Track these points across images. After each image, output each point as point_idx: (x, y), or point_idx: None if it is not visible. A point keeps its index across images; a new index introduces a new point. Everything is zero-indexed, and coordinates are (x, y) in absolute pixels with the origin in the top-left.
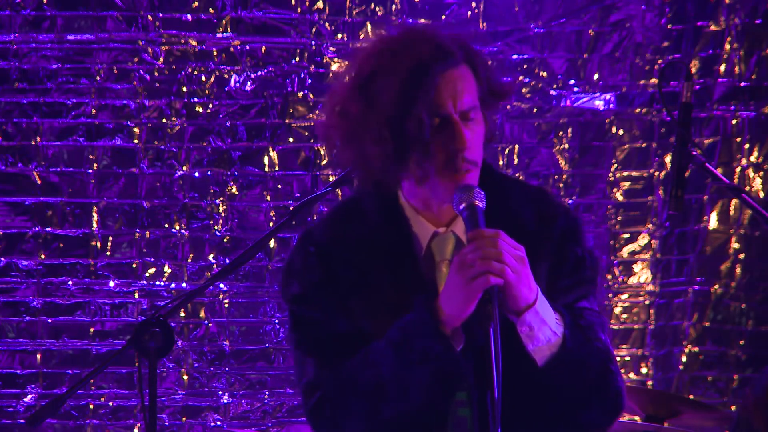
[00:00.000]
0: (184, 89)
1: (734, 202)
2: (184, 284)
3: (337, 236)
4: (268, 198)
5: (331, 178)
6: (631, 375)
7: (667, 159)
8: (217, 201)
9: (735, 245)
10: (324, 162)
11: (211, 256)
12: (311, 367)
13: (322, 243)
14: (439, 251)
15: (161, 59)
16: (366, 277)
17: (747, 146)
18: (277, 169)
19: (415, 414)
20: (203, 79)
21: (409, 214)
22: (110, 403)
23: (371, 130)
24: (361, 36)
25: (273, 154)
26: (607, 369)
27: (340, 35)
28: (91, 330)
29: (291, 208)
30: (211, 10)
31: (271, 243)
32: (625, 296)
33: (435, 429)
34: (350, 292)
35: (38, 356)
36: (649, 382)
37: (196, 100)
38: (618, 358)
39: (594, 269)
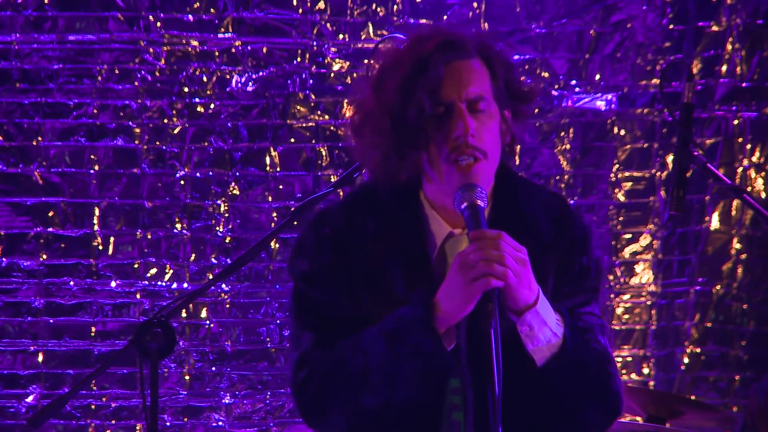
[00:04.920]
0: (186, 90)
1: (736, 202)
2: (185, 285)
3: (353, 224)
4: (270, 198)
5: (333, 179)
6: (633, 375)
7: (669, 159)
8: (219, 201)
9: (736, 246)
10: (325, 162)
11: (212, 257)
12: (307, 341)
13: (338, 227)
14: (452, 253)
15: (163, 60)
16: (378, 269)
17: (748, 146)
18: (278, 169)
19: (398, 408)
20: (205, 79)
21: (428, 212)
22: (112, 404)
23: (374, 120)
24: (363, 36)
25: (274, 154)
26: (605, 371)
27: (341, 36)
28: (93, 330)
29: (292, 208)
30: (212, 10)
31: (273, 243)
32: (626, 297)
33: (425, 429)
34: (360, 281)
35: (40, 356)
36: (651, 383)
37: (197, 100)
38: (620, 359)
39: (598, 279)
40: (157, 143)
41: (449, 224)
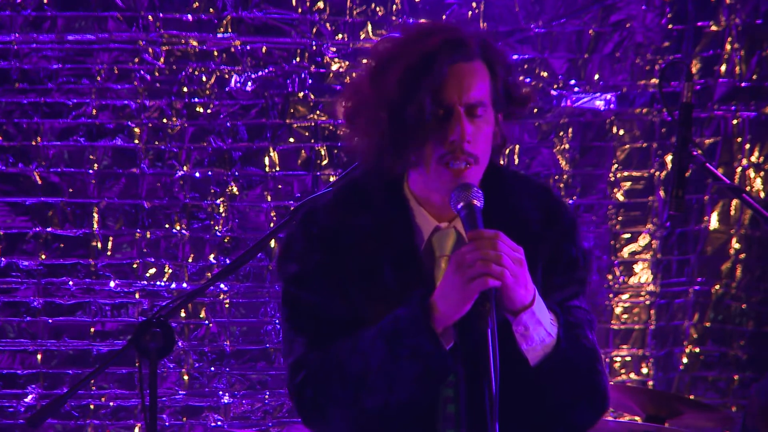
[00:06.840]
0: (185, 89)
1: (735, 202)
2: (184, 284)
3: (342, 222)
4: (269, 198)
5: (332, 178)
6: (632, 375)
7: (668, 159)
8: (218, 201)
9: (735, 245)
10: (325, 162)
11: (211, 257)
12: (300, 346)
13: (326, 227)
14: (439, 246)
15: (162, 59)
16: (368, 266)
17: (747, 146)
18: (277, 169)
19: (397, 408)
20: (204, 79)
21: (413, 206)
22: (111, 404)
23: (371, 110)
24: (362, 36)
25: (273, 154)
26: (595, 369)
27: (340, 35)
28: (92, 330)
29: (292, 208)
30: (211, 10)
31: (272, 243)
32: (625, 296)
33: (421, 424)
34: (351, 279)
35: (39, 356)
36: (650, 383)
37: (196, 100)
38: (618, 358)
39: (586, 269)
40: (157, 143)
41: (434, 218)
